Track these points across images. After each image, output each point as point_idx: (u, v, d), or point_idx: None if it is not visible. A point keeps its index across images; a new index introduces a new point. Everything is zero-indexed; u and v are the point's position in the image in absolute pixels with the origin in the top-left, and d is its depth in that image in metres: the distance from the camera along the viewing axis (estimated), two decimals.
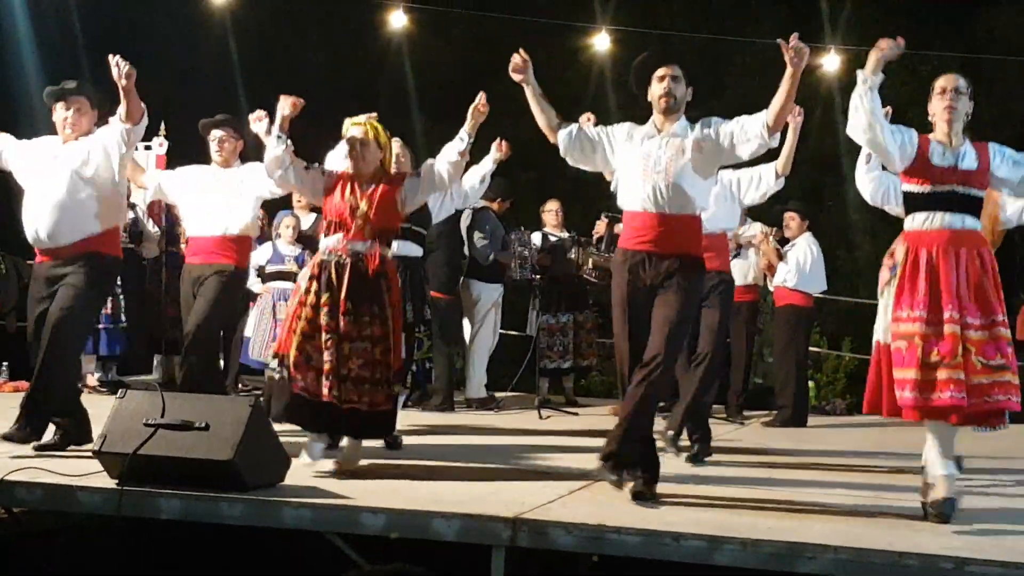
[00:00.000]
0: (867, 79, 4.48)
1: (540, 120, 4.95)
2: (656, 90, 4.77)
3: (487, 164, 6.70)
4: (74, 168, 5.34)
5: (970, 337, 4.28)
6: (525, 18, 13.50)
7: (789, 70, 4.51)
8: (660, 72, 4.76)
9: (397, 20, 11.88)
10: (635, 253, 4.67)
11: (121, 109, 5.33)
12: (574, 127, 4.93)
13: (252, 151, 6.12)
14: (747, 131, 4.64)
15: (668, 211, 4.64)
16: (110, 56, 5.20)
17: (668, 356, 4.55)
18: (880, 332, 4.49)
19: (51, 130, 5.52)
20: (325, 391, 4.81)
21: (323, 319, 4.90)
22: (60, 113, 5.41)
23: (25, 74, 11.79)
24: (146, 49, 13.33)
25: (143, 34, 13.65)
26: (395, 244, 5.49)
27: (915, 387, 4.24)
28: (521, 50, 4.84)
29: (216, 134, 6.16)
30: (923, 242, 4.44)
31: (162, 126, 8.92)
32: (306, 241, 8.71)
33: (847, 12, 15.46)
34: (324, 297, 4.94)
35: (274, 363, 4.97)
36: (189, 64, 13.71)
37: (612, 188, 4.92)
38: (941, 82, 4.63)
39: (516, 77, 4.85)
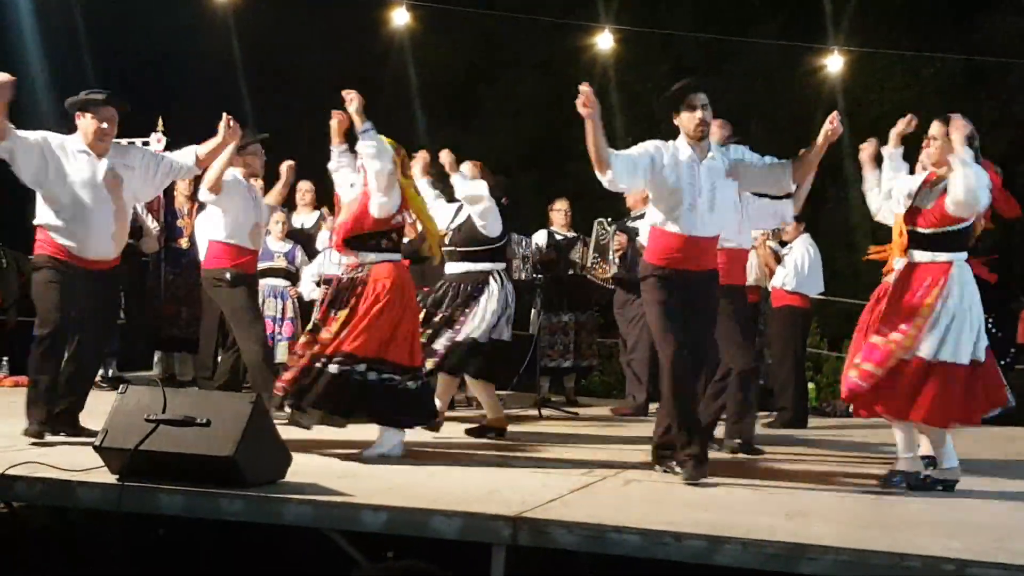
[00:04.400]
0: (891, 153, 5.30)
1: (593, 154, 4.99)
2: (691, 119, 5.02)
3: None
4: (129, 187, 5.56)
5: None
6: (528, 16, 13.50)
7: (821, 140, 4.96)
8: (697, 100, 5.01)
9: (400, 18, 11.87)
10: (666, 270, 5.05)
11: (203, 152, 5.70)
12: (616, 162, 5.00)
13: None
14: (776, 176, 5.13)
15: (703, 235, 5.04)
16: (225, 114, 5.66)
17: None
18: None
19: (54, 129, 5.53)
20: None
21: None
22: (91, 123, 5.43)
23: (30, 72, 11.79)
24: (147, 44, 13.38)
25: (145, 30, 13.65)
26: (455, 266, 6.47)
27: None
28: (588, 88, 4.87)
29: (256, 148, 6.53)
30: (899, 273, 5.09)
31: (160, 122, 8.90)
32: (304, 239, 8.70)
33: (850, 14, 15.45)
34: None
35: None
36: (190, 60, 13.70)
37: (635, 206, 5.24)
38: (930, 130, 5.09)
39: (584, 112, 4.86)
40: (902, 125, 5.28)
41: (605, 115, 5.32)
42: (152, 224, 8.68)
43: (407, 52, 14.81)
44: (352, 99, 5.39)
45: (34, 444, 5.26)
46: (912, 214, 5.05)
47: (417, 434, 6.07)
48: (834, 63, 12.31)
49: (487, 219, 6.47)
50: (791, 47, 13.72)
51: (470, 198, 6.45)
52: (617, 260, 8.28)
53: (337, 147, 5.79)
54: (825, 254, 8.52)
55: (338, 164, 5.80)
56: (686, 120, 5.02)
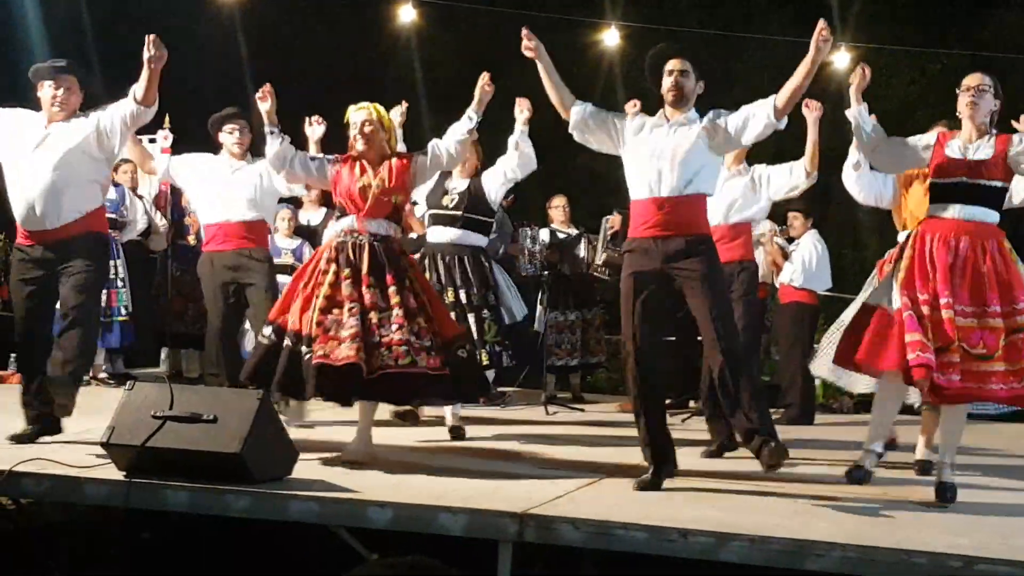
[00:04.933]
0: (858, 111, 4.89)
1: (553, 97, 5.03)
2: (665, 83, 4.90)
3: (518, 129, 6.39)
4: (70, 147, 5.26)
5: (959, 324, 4.49)
6: (534, 13, 13.48)
7: (811, 55, 4.60)
8: (669, 66, 4.89)
9: (406, 14, 11.87)
10: (643, 240, 4.76)
11: (139, 88, 5.23)
12: (588, 105, 5.01)
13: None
14: (755, 112, 4.77)
15: (672, 194, 4.73)
16: (148, 35, 5.14)
17: (730, 339, 4.66)
18: (880, 298, 4.75)
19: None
20: (352, 353, 4.77)
21: (345, 291, 4.97)
22: (48, 92, 5.34)
23: (33, 57, 11.79)
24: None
25: (150, 28, 13.66)
26: (452, 232, 6.21)
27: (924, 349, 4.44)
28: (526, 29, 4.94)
29: (233, 126, 6.33)
30: (931, 229, 4.69)
31: (166, 118, 8.90)
32: (311, 235, 8.70)
33: (857, 9, 15.41)
34: (345, 271, 5.02)
35: (267, 329, 5.07)
36: (195, 56, 13.70)
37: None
38: (966, 80, 4.79)
39: (528, 51, 4.94)
40: (858, 78, 4.95)
41: (611, 112, 5.29)
42: (161, 222, 8.70)
43: (412, 48, 14.80)
44: (488, 85, 5.44)
45: (40, 441, 5.24)
46: (948, 167, 4.71)
47: (421, 432, 6.09)
48: (840, 59, 12.28)
49: (502, 188, 6.45)
50: (798, 43, 13.67)
51: (525, 164, 6.33)
52: (609, 237, 8.24)
53: (277, 129, 5.36)
54: (832, 251, 8.50)
55: (284, 157, 5.33)
56: (662, 86, 4.92)
